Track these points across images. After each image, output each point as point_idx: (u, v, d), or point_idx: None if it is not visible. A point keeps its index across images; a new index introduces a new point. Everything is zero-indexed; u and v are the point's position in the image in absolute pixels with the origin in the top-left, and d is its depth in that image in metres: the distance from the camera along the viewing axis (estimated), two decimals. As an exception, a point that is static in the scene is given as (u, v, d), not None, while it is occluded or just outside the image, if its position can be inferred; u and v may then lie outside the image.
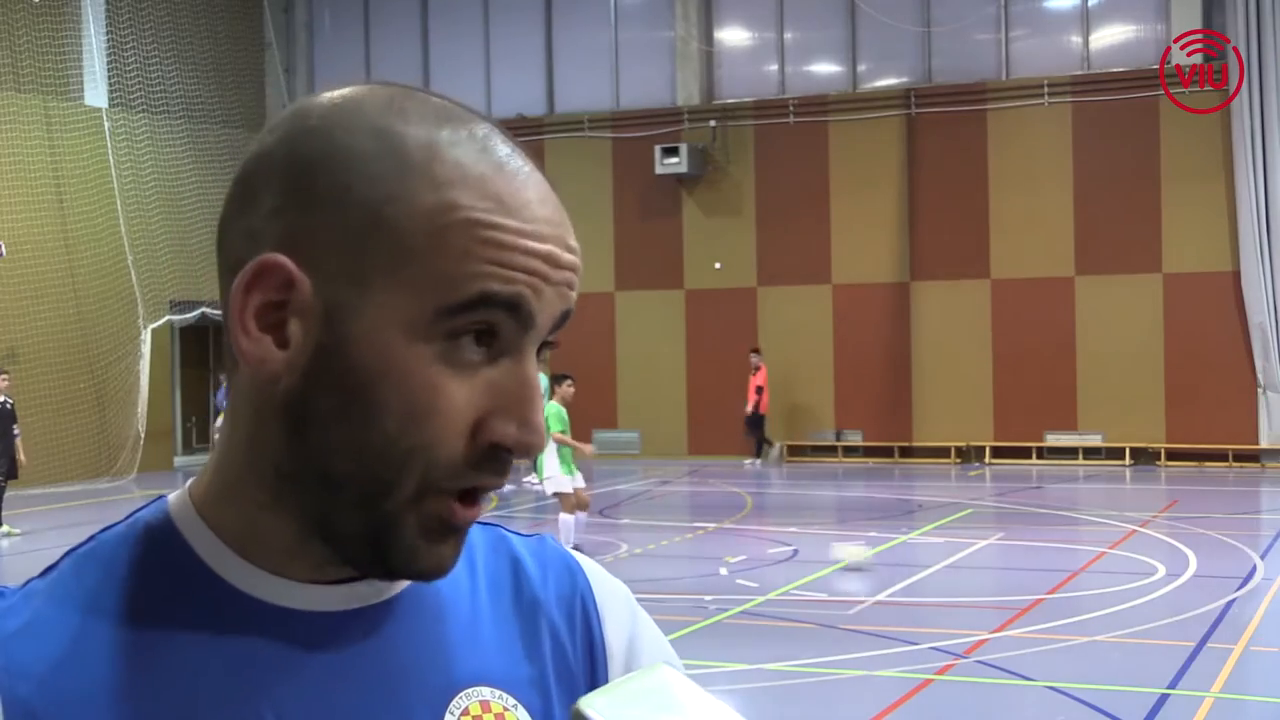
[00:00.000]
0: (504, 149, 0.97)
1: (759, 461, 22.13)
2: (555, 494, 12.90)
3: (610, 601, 1.14)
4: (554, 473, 12.68)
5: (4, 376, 15.41)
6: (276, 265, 0.93)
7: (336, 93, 0.98)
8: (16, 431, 15.31)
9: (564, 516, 12.66)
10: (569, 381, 13.27)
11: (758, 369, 21.94)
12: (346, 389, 0.92)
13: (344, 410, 0.93)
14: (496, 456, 0.94)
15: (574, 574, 1.13)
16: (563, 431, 12.64)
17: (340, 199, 0.93)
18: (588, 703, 0.88)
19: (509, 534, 1.14)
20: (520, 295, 0.93)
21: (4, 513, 15.14)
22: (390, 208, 0.92)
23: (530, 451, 0.95)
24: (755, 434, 22.20)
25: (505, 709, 1.03)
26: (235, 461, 0.98)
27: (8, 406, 15.14)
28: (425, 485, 0.93)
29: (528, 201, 0.95)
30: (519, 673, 1.05)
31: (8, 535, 15.08)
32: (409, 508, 0.94)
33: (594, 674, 1.10)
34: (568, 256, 0.96)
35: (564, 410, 12.88)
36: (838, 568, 12.11)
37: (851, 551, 12.44)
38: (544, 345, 0.98)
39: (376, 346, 0.92)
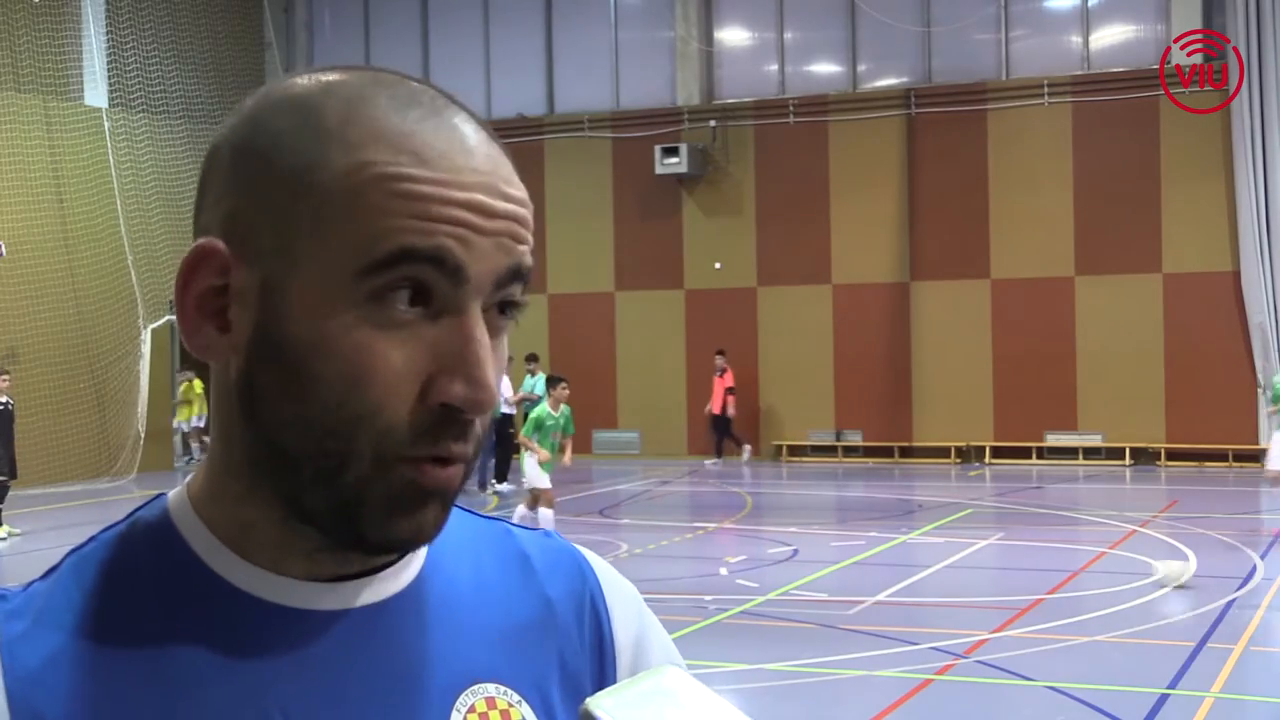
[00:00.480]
0: (431, 103, 0.95)
1: (720, 461, 22.17)
2: (533, 489, 13.16)
3: (619, 599, 1.13)
4: (532, 473, 13.08)
5: (5, 377, 15.38)
6: (209, 250, 0.94)
7: (275, 82, 0.99)
8: (13, 433, 15.28)
9: (544, 511, 12.90)
10: (563, 385, 13.21)
11: (724, 371, 22.07)
12: (284, 364, 0.92)
13: (285, 386, 0.92)
14: (451, 418, 0.92)
15: (583, 571, 1.13)
16: (556, 432, 12.83)
17: (264, 176, 0.93)
18: (595, 703, 0.89)
19: (514, 528, 1.13)
20: (443, 247, 0.90)
21: (3, 513, 15.12)
22: (307, 175, 0.92)
23: (481, 408, 0.92)
24: (720, 435, 22.29)
25: (510, 705, 1.02)
26: (216, 456, 0.99)
27: (9, 408, 15.12)
28: (383, 454, 0.92)
29: (449, 150, 0.93)
30: (525, 669, 1.04)
31: (8, 536, 15.08)
32: (374, 479, 0.92)
33: (602, 671, 1.09)
34: (503, 205, 0.93)
35: (555, 414, 12.91)
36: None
37: (1175, 569, 11.14)
38: (509, 305, 0.95)
39: (306, 317, 0.91)
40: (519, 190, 0.96)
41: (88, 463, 20.85)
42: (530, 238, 0.96)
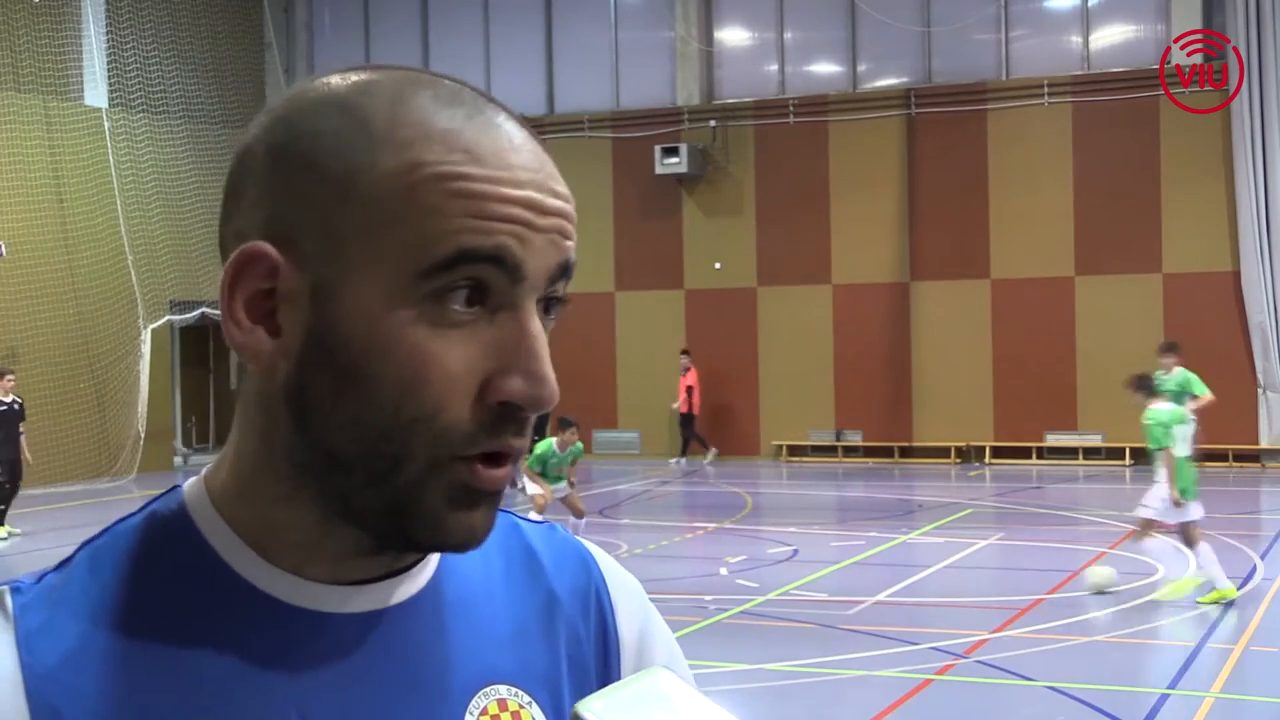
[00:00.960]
0: (474, 102, 0.94)
1: (684, 460, 22.22)
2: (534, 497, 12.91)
3: (623, 594, 1.13)
4: (532, 489, 12.49)
5: (11, 377, 15.40)
6: (258, 254, 0.92)
7: (305, 82, 0.98)
8: (22, 431, 15.34)
9: (534, 516, 12.67)
10: (573, 429, 12.38)
11: (687, 370, 22.18)
12: (339, 368, 0.91)
13: (339, 390, 0.91)
14: (510, 415, 0.92)
15: (588, 565, 1.12)
16: (560, 465, 12.32)
17: (310, 178, 0.92)
18: (585, 706, 0.88)
19: (520, 521, 1.13)
20: (502, 246, 0.90)
21: (6, 514, 15.11)
22: (357, 177, 0.91)
23: (542, 404, 0.92)
24: (686, 433, 22.39)
25: (521, 706, 1.02)
26: (250, 458, 0.98)
27: (15, 407, 15.16)
28: (439, 455, 0.91)
29: (500, 149, 0.92)
30: (534, 667, 1.04)
31: (9, 536, 15.07)
32: (428, 480, 0.92)
33: (606, 667, 1.09)
34: (553, 202, 0.94)
35: (561, 453, 12.26)
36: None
37: (1102, 575, 10.97)
38: (554, 301, 0.95)
39: (361, 320, 0.91)
40: (565, 187, 0.96)
41: (88, 463, 20.85)
42: (575, 234, 0.96)
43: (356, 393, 0.91)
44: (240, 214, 0.95)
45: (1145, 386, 10.95)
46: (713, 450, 22.46)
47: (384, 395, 0.90)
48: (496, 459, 0.93)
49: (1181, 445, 10.53)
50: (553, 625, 1.07)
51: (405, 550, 0.98)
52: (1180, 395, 12.28)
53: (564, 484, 12.55)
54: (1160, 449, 10.52)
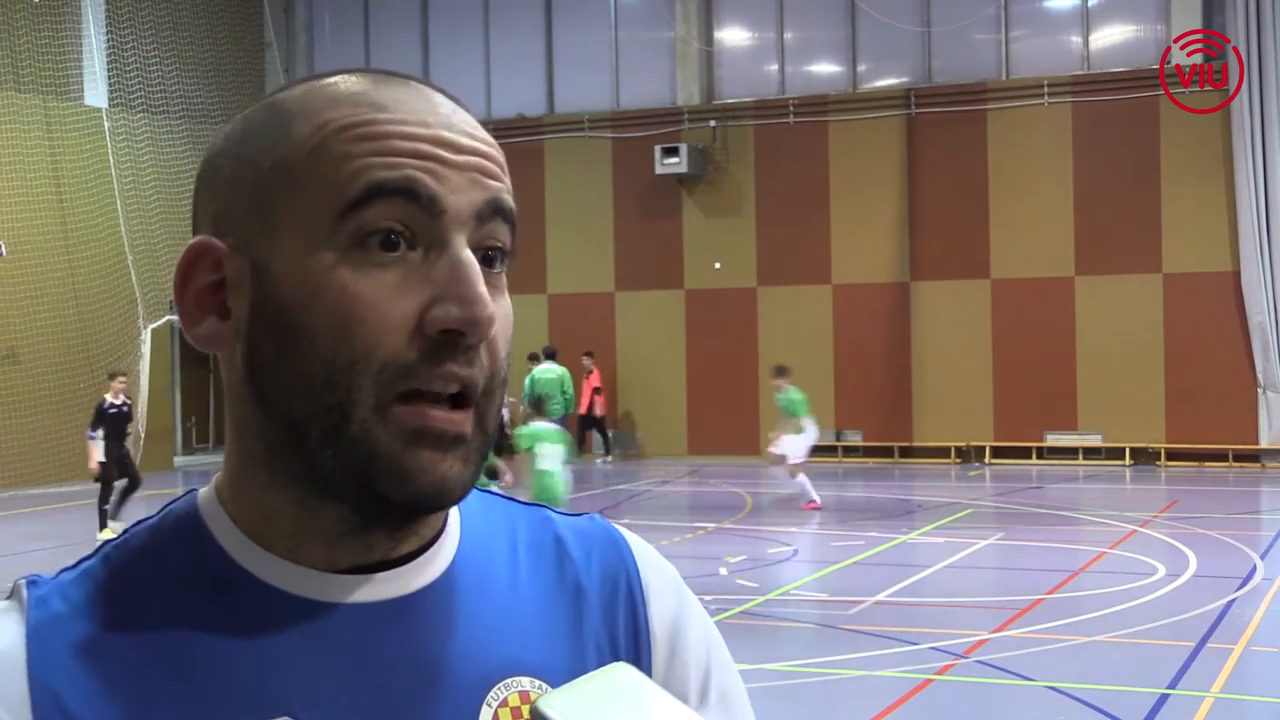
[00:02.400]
0: (398, 79, 0.98)
1: (610, 459, 22.45)
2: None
3: (656, 581, 1.11)
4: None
5: (122, 379, 15.42)
6: (202, 248, 0.97)
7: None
8: (129, 433, 15.39)
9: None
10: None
11: (590, 372, 22.44)
12: (279, 329, 0.94)
13: (282, 350, 0.94)
14: (451, 343, 0.92)
15: (620, 551, 1.11)
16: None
17: (237, 168, 0.97)
18: (547, 702, 0.88)
19: (554, 514, 1.12)
20: (412, 178, 0.92)
21: (115, 512, 14.90)
22: (275, 152, 0.95)
23: (479, 326, 0.92)
24: (590, 431, 22.61)
25: None
26: (235, 450, 1.00)
27: (124, 409, 15.14)
28: (382, 397, 0.92)
29: (408, 101, 0.96)
30: (559, 660, 1.03)
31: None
32: (377, 425, 0.92)
33: (637, 657, 1.07)
34: (468, 141, 0.95)
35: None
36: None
37: None
38: (496, 252, 0.96)
39: (292, 276, 0.93)
40: (486, 136, 0.97)
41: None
42: (506, 179, 0.97)
43: (296, 348, 0.93)
44: (198, 221, 1.00)
45: (536, 406, 11.51)
46: (610, 455, 22.62)
47: (320, 344, 0.92)
48: (451, 400, 0.93)
49: (548, 461, 10.89)
50: (581, 618, 1.06)
51: (386, 514, 0.97)
52: (792, 412, 13.57)
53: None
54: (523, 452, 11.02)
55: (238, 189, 0.96)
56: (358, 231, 0.92)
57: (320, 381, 0.92)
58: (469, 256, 0.93)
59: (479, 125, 0.98)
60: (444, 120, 0.95)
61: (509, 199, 0.97)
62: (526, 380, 19.31)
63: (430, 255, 0.93)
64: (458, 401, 0.94)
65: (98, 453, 14.60)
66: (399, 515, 0.97)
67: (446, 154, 0.94)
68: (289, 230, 0.94)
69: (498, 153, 0.97)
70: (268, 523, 0.98)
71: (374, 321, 0.91)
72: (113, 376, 15.30)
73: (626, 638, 1.08)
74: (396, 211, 0.92)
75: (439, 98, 0.97)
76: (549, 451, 10.87)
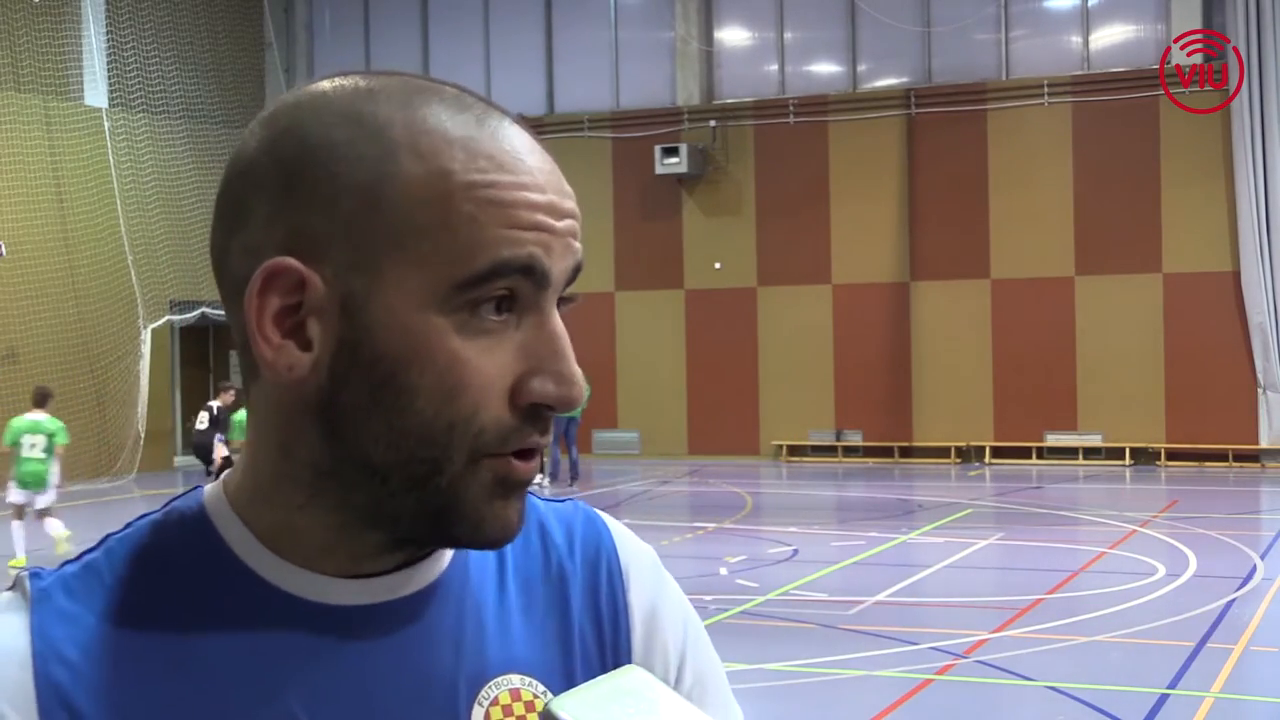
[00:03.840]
0: (479, 107, 0.96)
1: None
2: None
3: (635, 563, 1.14)
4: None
5: (229, 387, 17.34)
6: (284, 268, 0.92)
7: (300, 90, 0.98)
8: (220, 438, 16.81)
9: None
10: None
11: None
12: (374, 378, 0.92)
13: (375, 400, 0.92)
14: (538, 415, 0.94)
15: (600, 534, 1.14)
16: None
17: (331, 189, 0.92)
18: (559, 704, 0.89)
19: (538, 501, 1.13)
20: (533, 256, 0.92)
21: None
22: (383, 186, 0.91)
23: (572, 404, 0.94)
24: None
25: (535, 695, 1.02)
26: (268, 467, 0.98)
27: (220, 416, 16.83)
28: (474, 455, 0.93)
29: (518, 153, 0.94)
30: (548, 656, 1.05)
31: None
32: (465, 479, 0.93)
33: (616, 638, 1.09)
34: (568, 204, 0.96)
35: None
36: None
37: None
38: (563, 300, 0.97)
39: (396, 330, 0.91)
40: (568, 188, 0.98)
41: (88, 463, 20.83)
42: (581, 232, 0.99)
43: (394, 401, 0.92)
44: (249, 228, 0.95)
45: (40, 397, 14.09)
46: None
47: (422, 403, 0.92)
48: (525, 453, 0.95)
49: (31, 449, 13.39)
50: (565, 606, 1.08)
51: (439, 547, 1.00)
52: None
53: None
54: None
55: (327, 212, 0.92)
56: (472, 301, 0.92)
57: (416, 438, 0.92)
58: (563, 331, 0.95)
59: (559, 170, 0.98)
60: (550, 180, 0.95)
61: (583, 257, 0.98)
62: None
63: (525, 321, 0.94)
64: (530, 454, 0.96)
65: (224, 450, 16.64)
66: (449, 545, 1.00)
67: (554, 222, 0.94)
68: (395, 277, 0.91)
69: (576, 205, 0.98)
70: (291, 537, 0.98)
71: (479, 388, 0.92)
72: (224, 389, 17.42)
73: (608, 619, 1.09)
74: (509, 282, 0.92)
75: (528, 141, 0.96)
76: None
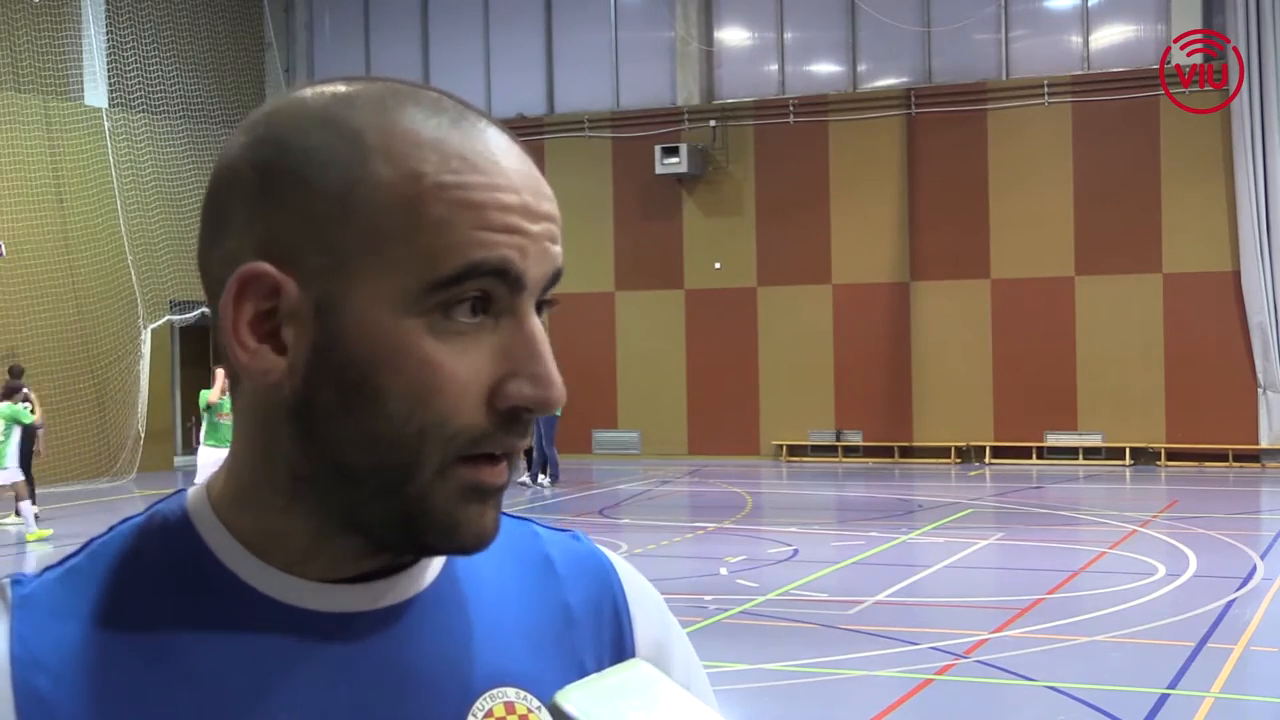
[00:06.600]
0: (455, 108, 0.95)
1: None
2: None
3: (642, 604, 1.13)
4: None
5: None
6: (258, 273, 0.92)
7: (282, 97, 0.97)
8: None
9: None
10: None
11: None
12: (347, 382, 0.91)
13: (348, 403, 0.92)
14: (515, 418, 0.93)
15: (606, 574, 1.12)
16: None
17: (304, 195, 0.92)
18: (564, 696, 0.89)
19: (541, 529, 1.12)
20: (505, 259, 0.91)
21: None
22: (355, 190, 0.91)
23: (551, 406, 0.93)
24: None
25: (530, 710, 1.01)
26: (248, 470, 0.98)
27: None
28: (446, 459, 0.92)
29: (492, 154, 0.93)
30: (545, 673, 1.03)
31: None
32: (437, 484, 0.92)
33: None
34: (545, 206, 0.95)
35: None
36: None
37: None
38: (543, 304, 0.96)
39: (369, 333, 0.91)
40: (549, 190, 0.97)
41: (88, 463, 20.85)
42: (561, 236, 0.98)
43: (366, 405, 0.91)
44: (228, 235, 0.95)
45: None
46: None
47: (394, 406, 0.91)
48: (498, 457, 0.94)
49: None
50: (566, 633, 1.07)
51: (409, 554, 0.99)
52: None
53: None
54: None
55: (300, 217, 0.92)
56: (444, 303, 0.91)
57: (387, 442, 0.91)
58: (541, 333, 0.94)
59: (538, 171, 0.97)
60: (526, 182, 0.94)
61: (562, 260, 0.97)
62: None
63: (502, 323, 0.93)
64: (501, 458, 0.95)
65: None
66: (423, 553, 0.99)
67: (529, 225, 0.93)
68: (366, 281, 0.91)
69: (557, 208, 0.97)
70: (273, 541, 0.97)
71: (452, 392, 0.91)
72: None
73: (612, 657, 1.08)
74: (482, 284, 0.91)
75: (505, 141, 0.95)
76: None
